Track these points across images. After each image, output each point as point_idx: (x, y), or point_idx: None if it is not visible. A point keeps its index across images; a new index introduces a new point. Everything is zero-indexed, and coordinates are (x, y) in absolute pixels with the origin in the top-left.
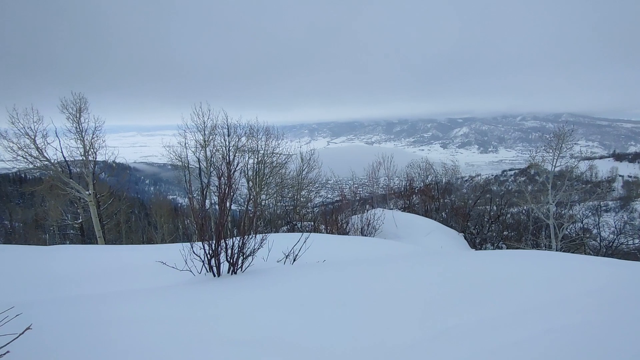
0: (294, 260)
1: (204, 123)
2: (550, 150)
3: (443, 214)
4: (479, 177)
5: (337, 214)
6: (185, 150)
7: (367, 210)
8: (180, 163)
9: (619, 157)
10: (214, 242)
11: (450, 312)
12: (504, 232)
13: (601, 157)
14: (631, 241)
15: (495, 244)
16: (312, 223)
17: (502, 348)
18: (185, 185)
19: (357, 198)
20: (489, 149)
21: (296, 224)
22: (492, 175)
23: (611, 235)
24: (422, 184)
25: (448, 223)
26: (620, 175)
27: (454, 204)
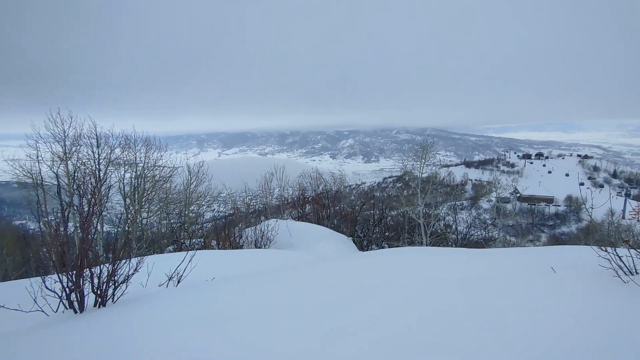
0: (178, 282)
1: (64, 132)
2: (418, 159)
3: (334, 220)
4: (364, 184)
5: (229, 228)
6: (37, 164)
7: (261, 222)
8: (31, 180)
9: (468, 164)
10: (75, 271)
11: (340, 311)
12: (386, 233)
13: (456, 165)
14: (479, 232)
15: (379, 245)
16: (203, 240)
17: (384, 339)
18: (37, 207)
19: (251, 210)
20: (372, 159)
21: (184, 242)
22: (375, 183)
23: (465, 229)
24: (313, 193)
25: (339, 229)
26: (470, 179)
27: (343, 210)
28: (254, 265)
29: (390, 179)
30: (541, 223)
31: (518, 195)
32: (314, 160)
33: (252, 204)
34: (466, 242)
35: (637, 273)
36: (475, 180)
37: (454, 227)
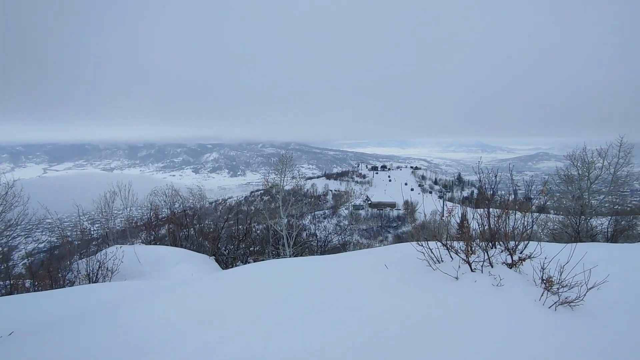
0: None
1: None
2: (279, 173)
3: (195, 240)
4: (231, 199)
5: (53, 263)
6: None
7: (101, 250)
8: None
9: (328, 176)
10: None
11: (189, 335)
12: (251, 248)
13: (318, 177)
14: (338, 238)
15: (245, 260)
16: (10, 282)
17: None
18: None
19: (88, 238)
20: (238, 173)
21: None
22: (242, 197)
23: (325, 236)
24: (169, 212)
25: (201, 248)
26: (330, 190)
27: (204, 228)
28: (76, 306)
29: (258, 193)
30: (387, 225)
31: (369, 202)
32: (174, 175)
33: (89, 230)
34: (326, 248)
35: (442, 261)
36: (335, 190)
37: (319, 235)
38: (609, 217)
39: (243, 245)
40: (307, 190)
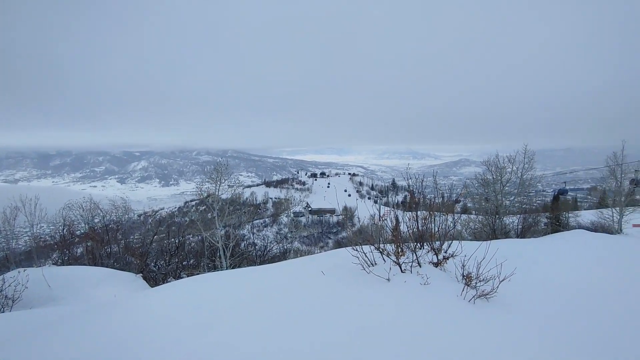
0: None
1: None
2: (213, 182)
3: (119, 257)
4: (163, 210)
5: None
6: None
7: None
8: None
9: (268, 184)
10: None
11: None
12: (184, 262)
13: (258, 185)
14: (278, 246)
15: (177, 275)
16: None
17: None
18: None
19: None
20: (170, 182)
21: None
22: (176, 208)
23: (265, 245)
24: (86, 227)
25: (125, 266)
26: (270, 198)
27: (130, 244)
28: None
29: (193, 203)
30: (328, 231)
31: (310, 209)
32: (95, 187)
33: None
34: (265, 258)
35: (376, 264)
36: (275, 198)
37: (259, 244)
38: (519, 216)
39: (176, 260)
40: (246, 198)
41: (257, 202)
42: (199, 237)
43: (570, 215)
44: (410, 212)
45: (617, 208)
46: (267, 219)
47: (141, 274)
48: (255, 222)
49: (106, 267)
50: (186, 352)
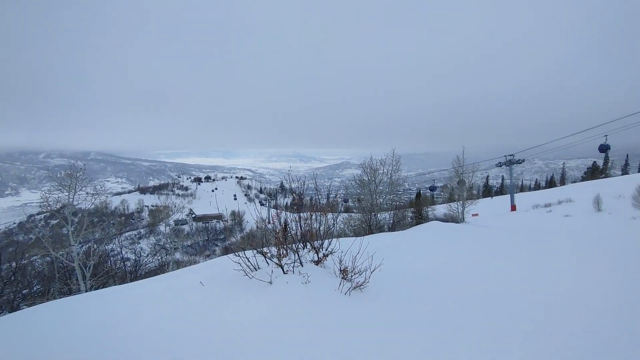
0: None
1: None
2: (66, 189)
3: None
4: None
5: None
6: None
7: None
8: None
9: (143, 190)
10: None
11: None
12: (24, 291)
13: (130, 192)
14: (156, 259)
15: (14, 307)
16: None
17: None
18: None
19: None
20: (6, 192)
21: None
22: (15, 223)
23: (139, 259)
24: None
25: None
26: (146, 206)
27: None
28: None
29: (40, 216)
30: (215, 238)
31: (193, 216)
32: None
33: None
34: (137, 274)
35: (259, 268)
36: (152, 206)
37: (133, 259)
38: (390, 212)
39: (12, 289)
40: (115, 208)
41: (130, 211)
42: (50, 258)
43: (428, 209)
44: (295, 214)
45: (461, 202)
46: (142, 230)
47: None
48: (127, 234)
49: None
50: None
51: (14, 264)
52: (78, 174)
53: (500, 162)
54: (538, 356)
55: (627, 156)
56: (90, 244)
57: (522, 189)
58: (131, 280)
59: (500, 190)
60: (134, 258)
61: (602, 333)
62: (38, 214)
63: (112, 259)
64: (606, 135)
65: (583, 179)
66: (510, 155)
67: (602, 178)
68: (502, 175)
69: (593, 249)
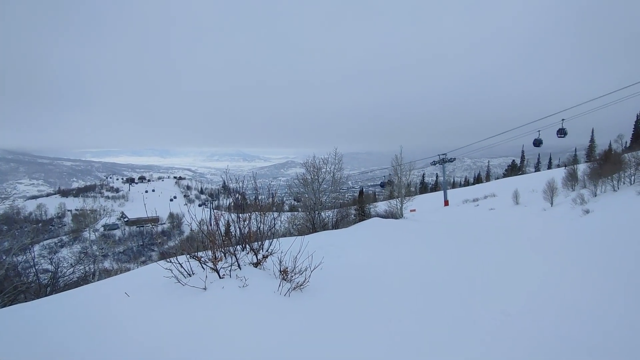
0: None
1: None
2: None
3: None
4: None
5: None
6: None
7: None
8: None
9: (65, 192)
10: None
11: None
12: None
13: (48, 195)
14: (79, 269)
15: None
16: None
17: None
18: None
19: None
20: None
21: None
22: None
23: (59, 270)
24: None
25: None
26: (68, 210)
27: None
28: None
29: None
30: (151, 242)
31: (126, 219)
32: None
33: None
34: (55, 287)
35: (194, 274)
36: (76, 210)
37: (51, 270)
38: (334, 210)
39: None
40: (30, 213)
41: (48, 217)
42: None
43: (370, 206)
44: (234, 215)
45: (400, 198)
46: (64, 237)
47: None
48: (45, 242)
49: None
50: None
51: None
52: None
53: (434, 161)
54: (465, 339)
55: (539, 155)
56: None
57: (454, 185)
58: (48, 294)
59: (435, 187)
60: (51, 269)
61: (510, 312)
62: None
63: (24, 272)
64: (539, 131)
65: (505, 176)
66: (443, 154)
67: (519, 174)
68: (437, 173)
69: (513, 239)
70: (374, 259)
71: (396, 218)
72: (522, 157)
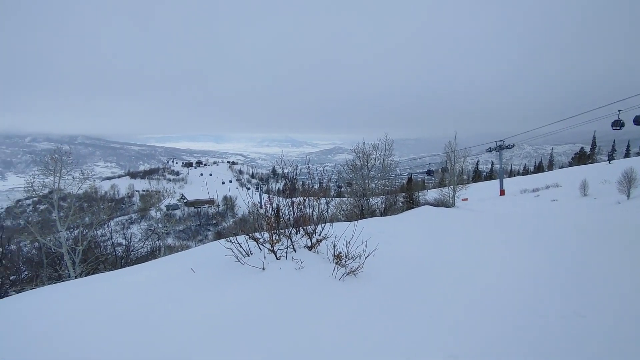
0: None
1: None
2: (50, 174)
3: None
4: None
5: None
6: None
7: None
8: None
9: (133, 175)
10: None
11: None
12: (12, 277)
13: (120, 176)
14: (148, 244)
15: (3, 293)
16: None
17: None
18: None
19: None
20: None
21: None
22: (2, 208)
23: (130, 244)
24: None
25: None
26: (136, 190)
27: None
28: None
29: (29, 201)
30: (207, 223)
31: (185, 200)
32: None
33: None
34: (128, 259)
35: (252, 254)
36: (143, 190)
37: (124, 244)
38: (382, 196)
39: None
40: (106, 192)
41: (120, 196)
42: (38, 244)
43: (420, 194)
44: (287, 199)
45: (452, 186)
46: (133, 215)
47: None
48: (118, 219)
49: None
50: None
51: (1, 250)
52: (64, 158)
53: (490, 148)
54: (527, 339)
55: (614, 142)
56: (79, 230)
57: (511, 174)
58: (122, 266)
59: (490, 175)
60: (125, 243)
61: (585, 314)
62: (26, 198)
63: (102, 244)
64: (620, 111)
65: (570, 165)
66: (500, 140)
67: (589, 163)
68: (492, 161)
69: (578, 234)
70: (426, 248)
71: (447, 207)
72: (593, 144)
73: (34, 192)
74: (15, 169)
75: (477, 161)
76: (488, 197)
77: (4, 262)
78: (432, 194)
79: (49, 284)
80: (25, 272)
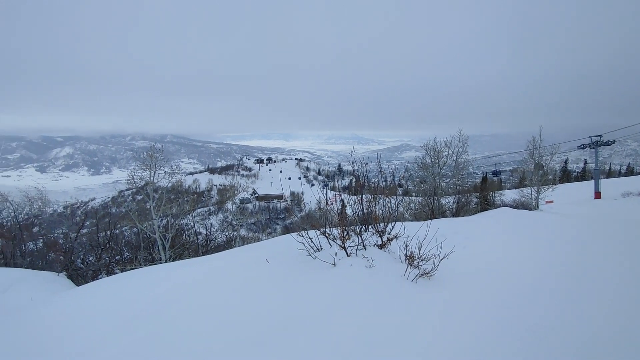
0: None
1: None
2: (147, 168)
3: (39, 255)
4: (94, 201)
5: None
6: None
7: None
8: None
9: (212, 170)
10: None
11: None
12: (117, 257)
13: (200, 172)
14: (224, 234)
15: (110, 271)
16: None
17: None
18: None
19: None
20: (102, 170)
21: None
22: (109, 198)
23: (209, 234)
24: None
25: (45, 265)
26: (215, 185)
27: (51, 239)
28: None
29: (129, 192)
30: (276, 217)
31: (256, 195)
32: (9, 176)
33: None
34: (209, 247)
35: (322, 249)
36: (220, 185)
37: (204, 233)
38: (454, 196)
39: (108, 255)
40: (188, 186)
41: (201, 190)
42: (136, 229)
43: (496, 194)
44: (355, 196)
45: (535, 187)
46: (211, 207)
47: (65, 273)
48: (199, 210)
49: (20, 267)
50: (110, 353)
51: (108, 233)
52: (157, 155)
53: (583, 144)
54: None
55: None
56: (168, 218)
57: (610, 174)
58: (203, 253)
59: (582, 176)
60: (205, 232)
61: None
62: (127, 190)
63: (186, 232)
64: None
65: None
66: (597, 136)
67: None
68: (585, 159)
69: None
70: (506, 254)
71: (529, 209)
72: None
73: (134, 184)
74: (119, 164)
75: (566, 159)
76: (580, 200)
77: (110, 244)
78: (510, 195)
79: (145, 265)
80: (127, 254)
